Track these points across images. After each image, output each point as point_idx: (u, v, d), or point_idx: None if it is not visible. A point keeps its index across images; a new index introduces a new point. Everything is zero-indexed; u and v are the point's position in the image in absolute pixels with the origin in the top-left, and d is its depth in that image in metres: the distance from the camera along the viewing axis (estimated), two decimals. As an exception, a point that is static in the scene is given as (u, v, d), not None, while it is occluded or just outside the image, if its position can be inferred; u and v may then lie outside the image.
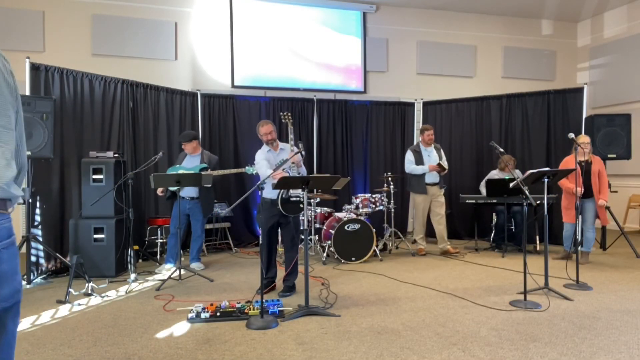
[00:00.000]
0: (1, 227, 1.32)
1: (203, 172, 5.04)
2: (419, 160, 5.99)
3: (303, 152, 4.01)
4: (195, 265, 5.22)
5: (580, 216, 5.30)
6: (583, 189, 5.10)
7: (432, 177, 6.00)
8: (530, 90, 7.06)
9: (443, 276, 4.81)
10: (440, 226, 6.02)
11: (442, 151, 6.17)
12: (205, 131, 6.72)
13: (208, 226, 6.32)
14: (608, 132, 6.30)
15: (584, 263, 5.28)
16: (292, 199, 4.01)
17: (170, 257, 5.14)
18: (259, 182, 3.57)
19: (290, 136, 4.17)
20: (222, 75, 7.49)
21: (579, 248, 5.34)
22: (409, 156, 6.07)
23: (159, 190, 5.22)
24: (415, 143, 6.30)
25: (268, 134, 4.19)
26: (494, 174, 6.37)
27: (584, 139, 5.29)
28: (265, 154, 4.23)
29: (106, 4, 6.99)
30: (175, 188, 5.03)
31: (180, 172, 4.96)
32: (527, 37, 8.90)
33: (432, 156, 6.04)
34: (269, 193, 4.03)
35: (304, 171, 4.26)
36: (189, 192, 5.17)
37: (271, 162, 4.16)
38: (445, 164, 5.99)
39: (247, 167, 5.24)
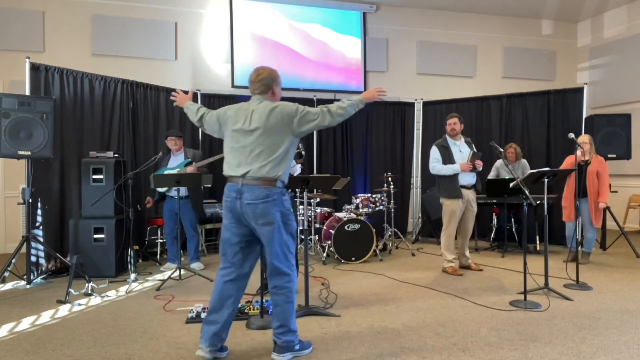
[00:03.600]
0: (259, 192, 2.55)
1: (191, 168, 5.12)
2: (448, 158, 4.89)
3: (303, 152, 4.01)
4: (195, 265, 5.22)
5: (579, 216, 5.30)
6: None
7: (468, 178, 4.90)
8: (530, 90, 7.05)
9: (443, 276, 4.81)
10: (465, 238, 5.09)
11: (473, 147, 5.10)
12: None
13: (208, 226, 6.33)
14: (608, 132, 6.30)
15: (584, 263, 5.28)
16: None
17: (173, 256, 5.15)
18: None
19: None
20: (222, 75, 7.49)
21: (580, 248, 5.33)
22: (434, 153, 4.95)
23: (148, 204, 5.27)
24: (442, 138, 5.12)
25: None
26: (498, 165, 6.28)
27: (582, 138, 5.27)
28: None
29: (106, 4, 6.99)
30: (163, 189, 5.05)
31: (166, 173, 4.97)
32: (527, 37, 8.90)
33: (465, 152, 4.94)
34: None
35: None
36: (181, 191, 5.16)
37: None
38: (480, 162, 4.94)
39: None
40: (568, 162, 5.32)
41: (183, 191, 5.16)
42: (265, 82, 2.73)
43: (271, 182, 2.58)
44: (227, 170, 2.67)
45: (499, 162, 6.30)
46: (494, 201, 6.16)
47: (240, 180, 2.58)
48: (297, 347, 2.71)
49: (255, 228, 2.59)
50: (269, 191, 2.56)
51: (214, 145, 6.76)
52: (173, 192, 5.05)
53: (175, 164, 5.28)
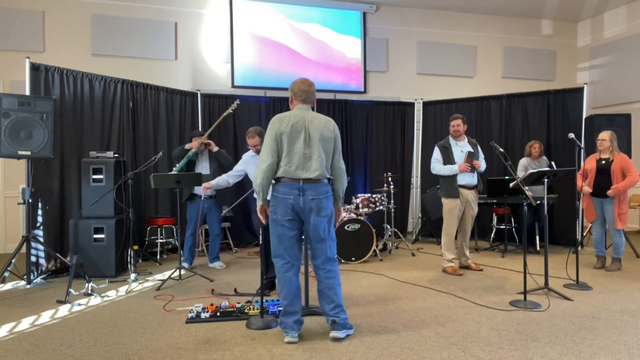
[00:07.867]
0: (321, 189, 2.99)
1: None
2: (448, 158, 4.93)
3: None
4: (217, 264, 5.35)
5: (579, 216, 5.27)
6: (593, 189, 4.95)
7: (467, 178, 4.90)
8: (530, 90, 7.05)
9: (443, 276, 4.81)
10: (465, 238, 5.09)
11: (479, 148, 5.09)
12: (205, 131, 6.71)
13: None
14: (608, 132, 6.29)
15: (614, 270, 4.96)
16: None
17: (192, 256, 5.30)
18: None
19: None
20: (222, 75, 7.49)
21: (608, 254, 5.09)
22: (436, 154, 5.01)
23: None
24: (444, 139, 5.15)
25: (256, 145, 4.40)
26: (524, 163, 6.19)
27: (603, 135, 5.01)
28: (250, 159, 4.48)
29: (106, 4, 6.99)
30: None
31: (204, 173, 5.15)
32: (527, 37, 8.91)
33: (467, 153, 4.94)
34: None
35: None
36: (208, 190, 5.22)
37: (252, 173, 4.37)
38: (478, 162, 4.90)
39: None
40: (589, 163, 5.04)
41: (212, 190, 5.24)
42: (314, 93, 3.19)
43: (326, 181, 3.04)
44: (284, 172, 2.99)
45: (525, 160, 6.22)
46: (494, 201, 6.16)
47: (301, 180, 2.95)
48: (348, 325, 3.08)
49: (313, 221, 2.95)
50: (327, 188, 3.05)
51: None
52: (209, 191, 5.20)
53: (204, 165, 5.47)
